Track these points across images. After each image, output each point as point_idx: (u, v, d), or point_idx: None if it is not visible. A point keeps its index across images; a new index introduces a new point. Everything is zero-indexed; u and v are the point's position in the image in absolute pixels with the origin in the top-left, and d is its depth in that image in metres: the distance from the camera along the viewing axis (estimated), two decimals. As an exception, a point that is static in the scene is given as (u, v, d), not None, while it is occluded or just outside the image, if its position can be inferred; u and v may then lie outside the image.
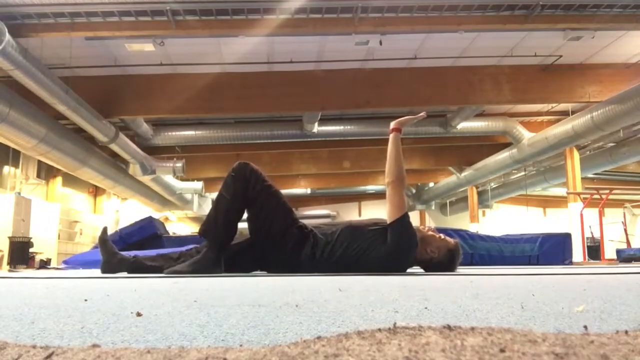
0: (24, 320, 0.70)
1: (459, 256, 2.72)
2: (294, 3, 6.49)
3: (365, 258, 2.57)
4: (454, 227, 8.95)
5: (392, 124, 2.73)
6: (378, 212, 21.65)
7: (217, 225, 2.63)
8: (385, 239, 2.55)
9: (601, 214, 8.55)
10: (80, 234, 13.22)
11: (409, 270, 2.69)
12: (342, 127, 10.79)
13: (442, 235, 2.72)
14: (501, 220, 19.68)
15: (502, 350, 0.38)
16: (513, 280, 1.75)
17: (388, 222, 2.56)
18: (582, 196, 9.18)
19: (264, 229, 2.72)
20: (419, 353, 0.39)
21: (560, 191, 16.22)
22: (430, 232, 2.71)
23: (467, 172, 14.30)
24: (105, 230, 2.87)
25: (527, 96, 9.41)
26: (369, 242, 2.59)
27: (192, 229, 18.92)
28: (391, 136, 2.68)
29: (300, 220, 2.83)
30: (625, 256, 9.25)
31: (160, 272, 2.67)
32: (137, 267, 2.76)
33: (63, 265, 7.27)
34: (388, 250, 2.52)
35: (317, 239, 2.69)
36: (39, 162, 11.14)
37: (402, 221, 2.52)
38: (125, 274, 2.69)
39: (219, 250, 2.64)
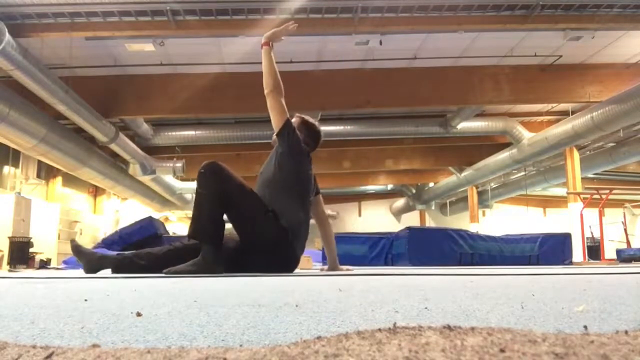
0: (24, 320, 0.70)
1: (312, 121, 3.12)
2: (294, 3, 6.49)
3: (283, 174, 2.82)
4: (454, 227, 8.95)
5: (263, 39, 2.93)
6: (378, 212, 21.66)
7: (203, 224, 2.65)
8: (279, 152, 2.86)
9: (601, 214, 8.55)
10: (80, 234, 13.20)
11: (408, 271, 2.69)
12: (342, 127, 10.78)
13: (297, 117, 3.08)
14: (501, 220, 19.67)
15: (502, 350, 0.38)
16: (513, 280, 1.75)
17: (275, 130, 2.87)
18: (582, 196, 9.18)
19: (246, 231, 2.77)
20: (419, 353, 0.39)
21: (560, 191, 16.21)
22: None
23: (467, 172, 14.30)
24: (73, 240, 3.03)
25: (527, 96, 9.40)
26: (276, 165, 2.87)
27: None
28: (263, 50, 2.91)
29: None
30: (625, 256, 9.24)
31: (148, 271, 2.71)
32: (122, 264, 2.79)
33: (63, 265, 7.28)
34: (286, 153, 2.83)
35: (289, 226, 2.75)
36: (39, 162, 11.13)
37: (287, 124, 2.85)
38: (126, 274, 2.69)
39: (216, 247, 2.64)
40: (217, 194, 2.66)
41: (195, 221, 2.67)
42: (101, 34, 6.93)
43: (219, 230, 2.68)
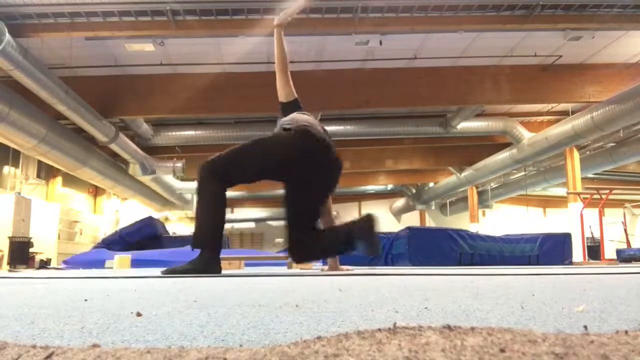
0: (24, 320, 0.70)
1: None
2: (294, 3, 6.48)
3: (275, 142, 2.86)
4: (453, 227, 8.94)
5: (275, 21, 3.21)
6: (378, 212, 21.59)
7: (205, 228, 2.66)
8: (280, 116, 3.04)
9: (601, 214, 8.55)
10: (80, 234, 13.21)
11: (408, 271, 2.69)
12: (342, 127, 10.79)
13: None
14: (501, 220, 19.66)
15: (502, 350, 0.38)
16: (513, 280, 1.75)
17: (280, 99, 3.14)
18: (582, 196, 9.18)
19: (296, 177, 2.81)
20: (419, 353, 0.39)
21: (560, 191, 16.21)
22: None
23: (467, 172, 14.30)
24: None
25: (527, 96, 9.40)
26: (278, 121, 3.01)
27: (192, 228, 18.87)
28: (275, 31, 3.17)
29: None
30: (625, 256, 9.24)
31: None
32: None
33: (63, 265, 7.28)
34: (284, 121, 2.94)
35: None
36: (39, 162, 11.13)
37: (293, 102, 3.12)
38: (123, 273, 2.69)
39: (215, 249, 2.65)
40: (221, 194, 2.66)
41: (202, 231, 2.67)
42: (101, 34, 6.93)
43: (220, 232, 2.69)
